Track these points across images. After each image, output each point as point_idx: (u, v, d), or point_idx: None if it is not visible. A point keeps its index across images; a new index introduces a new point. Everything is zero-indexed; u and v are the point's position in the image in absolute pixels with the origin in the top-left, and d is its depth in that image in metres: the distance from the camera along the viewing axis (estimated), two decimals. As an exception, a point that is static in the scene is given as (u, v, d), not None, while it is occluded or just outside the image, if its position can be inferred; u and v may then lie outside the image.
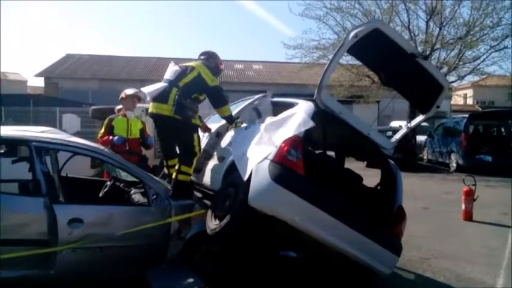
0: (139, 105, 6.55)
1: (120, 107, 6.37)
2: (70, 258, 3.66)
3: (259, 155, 3.64)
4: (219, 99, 4.57)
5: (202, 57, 4.77)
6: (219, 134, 4.92)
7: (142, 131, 6.18)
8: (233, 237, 3.97)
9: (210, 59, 4.75)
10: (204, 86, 4.46)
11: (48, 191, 3.67)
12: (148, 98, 4.48)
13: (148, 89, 4.45)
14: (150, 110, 4.55)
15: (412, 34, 17.31)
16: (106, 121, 6.07)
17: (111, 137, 5.79)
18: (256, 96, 5.26)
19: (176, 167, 4.42)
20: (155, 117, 4.51)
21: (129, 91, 6.17)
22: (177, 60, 4.95)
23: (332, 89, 17.95)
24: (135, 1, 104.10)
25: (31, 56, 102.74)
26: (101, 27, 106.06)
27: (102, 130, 6.00)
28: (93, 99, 23.99)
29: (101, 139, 5.81)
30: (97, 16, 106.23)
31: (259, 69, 35.12)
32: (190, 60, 4.82)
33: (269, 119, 4.13)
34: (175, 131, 4.50)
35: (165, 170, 4.91)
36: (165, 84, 4.42)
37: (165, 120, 4.41)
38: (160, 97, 4.37)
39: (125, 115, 6.07)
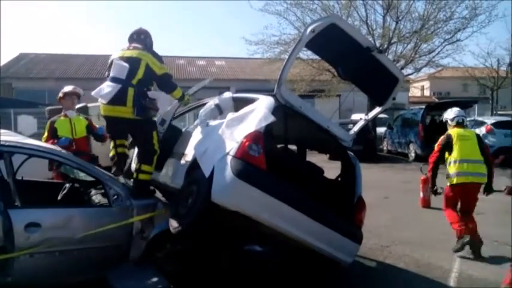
0: (96, 104, 6.35)
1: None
2: (28, 264, 3.56)
3: (221, 151, 3.65)
4: (169, 86, 4.45)
5: (135, 37, 4.52)
6: (164, 121, 4.88)
7: (89, 127, 5.92)
8: (197, 235, 3.97)
9: (147, 39, 4.53)
10: (153, 76, 4.30)
11: (3, 195, 3.55)
12: (104, 101, 4.21)
13: (100, 92, 4.20)
14: (105, 113, 4.31)
15: (370, 28, 17.75)
16: (48, 124, 5.82)
17: (56, 140, 5.53)
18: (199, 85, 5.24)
19: (136, 167, 4.35)
20: (113, 120, 4.33)
21: (67, 89, 5.92)
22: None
23: (294, 83, 18.17)
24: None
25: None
26: (56, 25, 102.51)
27: (45, 134, 5.74)
28: (50, 99, 23.11)
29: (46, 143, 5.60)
30: (52, 13, 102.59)
31: (222, 65, 34.93)
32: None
33: (230, 115, 4.14)
34: (135, 131, 4.41)
35: (112, 152, 4.72)
36: (117, 84, 4.16)
37: (125, 122, 4.27)
38: (117, 99, 4.15)
39: (66, 115, 5.82)
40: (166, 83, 4.43)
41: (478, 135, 5.72)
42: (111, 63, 4.33)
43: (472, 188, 5.50)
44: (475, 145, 5.54)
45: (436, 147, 5.72)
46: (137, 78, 4.19)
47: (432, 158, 5.69)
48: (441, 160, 5.67)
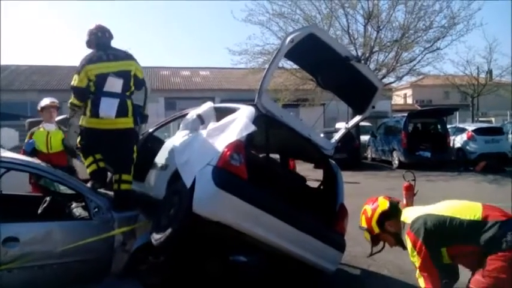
0: None
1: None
2: (6, 280, 3.50)
3: (202, 161, 3.65)
4: (143, 85, 4.65)
5: (108, 35, 4.48)
6: None
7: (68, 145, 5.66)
8: (180, 246, 3.94)
9: (111, 37, 4.55)
10: (136, 80, 4.47)
11: (-21, 210, 3.48)
12: (113, 117, 4.23)
13: (106, 110, 4.21)
14: (105, 127, 4.28)
15: (352, 38, 17.94)
16: (28, 135, 5.78)
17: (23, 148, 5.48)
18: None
19: (116, 177, 4.31)
20: (109, 132, 4.31)
21: (44, 102, 5.83)
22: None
23: (278, 93, 18.27)
24: (70, 5, 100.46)
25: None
26: (38, 36, 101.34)
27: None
28: (33, 112, 22.65)
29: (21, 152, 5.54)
30: (33, 24, 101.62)
31: (206, 76, 34.96)
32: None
33: (211, 125, 4.15)
34: (125, 140, 4.40)
35: (93, 167, 4.53)
36: (115, 99, 4.25)
37: (121, 133, 4.34)
38: (120, 112, 4.27)
39: (44, 128, 5.73)
40: (143, 84, 4.65)
41: None
42: (102, 78, 4.25)
43: None
44: None
45: None
46: (130, 91, 4.40)
47: None
48: None
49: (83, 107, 4.42)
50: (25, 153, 5.39)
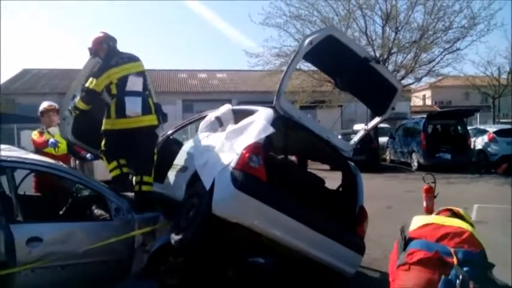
0: None
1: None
2: (30, 279, 3.57)
3: (221, 163, 3.67)
4: None
5: (114, 44, 4.57)
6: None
7: (71, 146, 5.58)
8: (199, 248, 3.96)
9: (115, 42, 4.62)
10: None
11: (4, 210, 3.56)
12: (140, 113, 4.33)
13: (133, 108, 4.30)
14: (131, 126, 4.33)
15: (370, 39, 17.82)
16: (37, 132, 5.62)
17: (48, 140, 5.37)
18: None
19: (137, 179, 4.36)
20: (134, 131, 4.36)
21: (43, 106, 5.74)
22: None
23: (295, 95, 18.24)
24: (91, 7, 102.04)
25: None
26: (58, 41, 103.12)
27: (38, 136, 5.57)
28: (53, 115, 23.21)
29: (38, 139, 5.45)
30: (54, 29, 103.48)
31: (223, 78, 35.13)
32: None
33: (230, 127, 4.16)
34: (147, 139, 4.47)
35: (117, 171, 4.57)
36: (138, 97, 4.36)
37: (145, 131, 4.41)
38: (146, 109, 4.38)
39: (49, 132, 5.58)
40: None
41: None
42: (123, 80, 4.34)
43: None
44: None
45: None
46: (147, 89, 4.54)
47: None
48: None
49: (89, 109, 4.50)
50: (42, 144, 5.41)
